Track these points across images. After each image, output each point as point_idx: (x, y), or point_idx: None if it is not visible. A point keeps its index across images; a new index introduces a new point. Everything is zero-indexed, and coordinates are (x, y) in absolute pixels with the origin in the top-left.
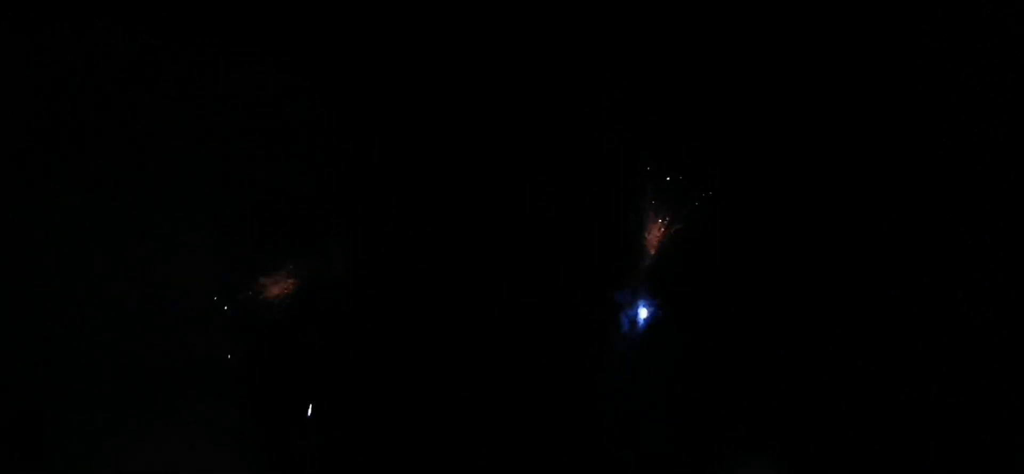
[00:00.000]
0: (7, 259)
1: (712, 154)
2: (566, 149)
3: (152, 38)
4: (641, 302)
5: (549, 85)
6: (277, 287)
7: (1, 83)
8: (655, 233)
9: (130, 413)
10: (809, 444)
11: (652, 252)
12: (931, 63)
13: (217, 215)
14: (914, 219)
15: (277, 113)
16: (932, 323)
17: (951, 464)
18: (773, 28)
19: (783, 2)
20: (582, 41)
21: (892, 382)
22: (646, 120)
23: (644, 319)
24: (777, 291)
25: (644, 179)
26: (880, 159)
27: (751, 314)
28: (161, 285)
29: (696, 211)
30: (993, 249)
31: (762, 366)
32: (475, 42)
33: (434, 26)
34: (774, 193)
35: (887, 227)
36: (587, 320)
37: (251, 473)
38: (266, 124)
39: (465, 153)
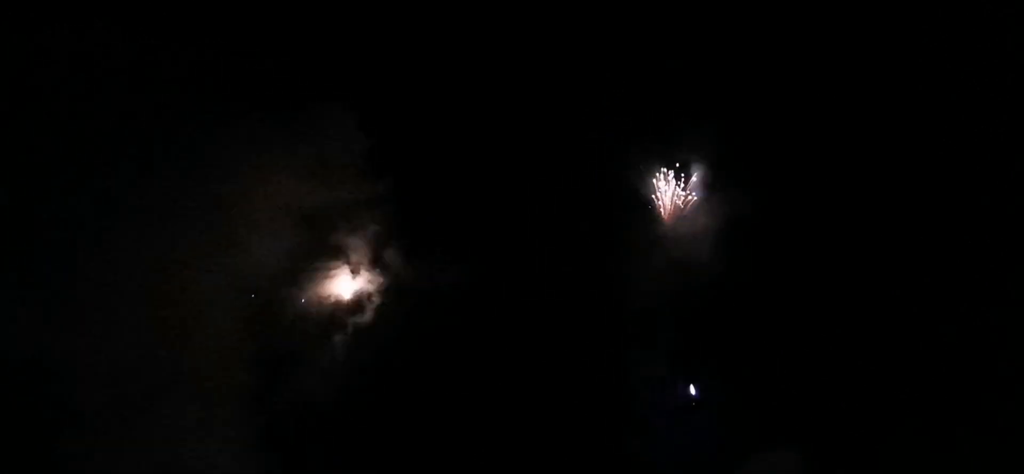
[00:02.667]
0: (8, 260)
1: (730, 158)
2: (589, 154)
3: (152, 39)
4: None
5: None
6: (281, 288)
7: (4, 83)
8: (676, 236)
9: (129, 413)
10: (830, 439)
11: (673, 254)
12: (937, 65)
13: (221, 217)
14: (931, 222)
15: (283, 117)
16: (950, 323)
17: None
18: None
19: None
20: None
21: (909, 380)
22: (659, 124)
23: (667, 322)
24: (796, 291)
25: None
26: (894, 162)
27: (772, 313)
28: (162, 286)
29: (716, 212)
30: (996, 251)
31: (783, 363)
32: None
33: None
34: (796, 195)
35: (906, 230)
36: (607, 323)
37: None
38: (273, 130)
39: (482, 158)
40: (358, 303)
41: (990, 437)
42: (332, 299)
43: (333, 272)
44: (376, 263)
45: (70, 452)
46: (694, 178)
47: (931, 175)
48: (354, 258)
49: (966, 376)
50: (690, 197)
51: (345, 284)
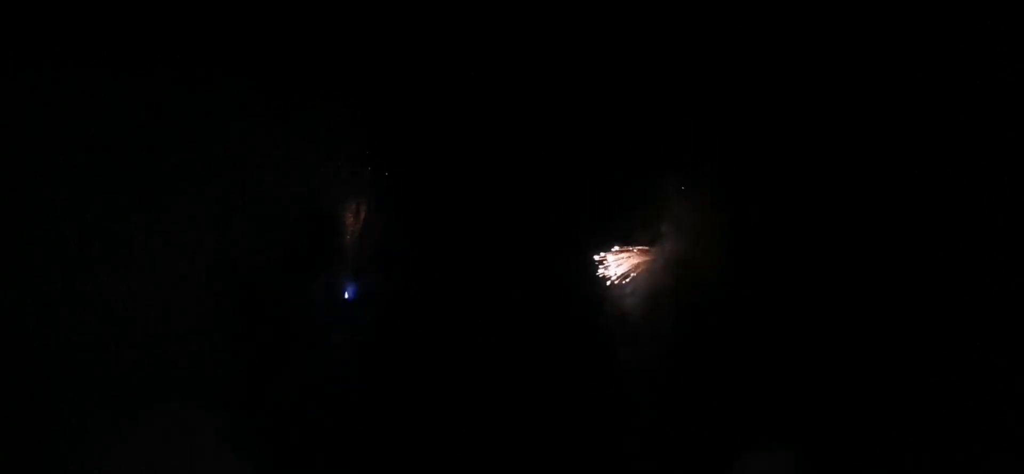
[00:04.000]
0: (6, 260)
1: (722, 156)
2: (573, 152)
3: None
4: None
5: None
6: (277, 289)
7: (3, 84)
8: (662, 236)
9: (126, 413)
10: (823, 439)
11: (660, 256)
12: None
13: (217, 218)
14: (921, 220)
15: (283, 114)
16: (945, 322)
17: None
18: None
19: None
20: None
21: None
22: (657, 123)
23: (653, 318)
24: (788, 291)
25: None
26: (887, 160)
27: (765, 313)
28: (159, 286)
29: (704, 211)
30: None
31: (775, 363)
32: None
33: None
34: (784, 195)
35: (897, 228)
36: (597, 318)
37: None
38: (267, 131)
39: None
40: (357, 303)
41: (989, 438)
42: (332, 299)
43: (333, 271)
44: (376, 263)
45: (59, 452)
46: None
47: (927, 174)
48: (354, 257)
49: (966, 378)
50: None
51: (345, 284)
